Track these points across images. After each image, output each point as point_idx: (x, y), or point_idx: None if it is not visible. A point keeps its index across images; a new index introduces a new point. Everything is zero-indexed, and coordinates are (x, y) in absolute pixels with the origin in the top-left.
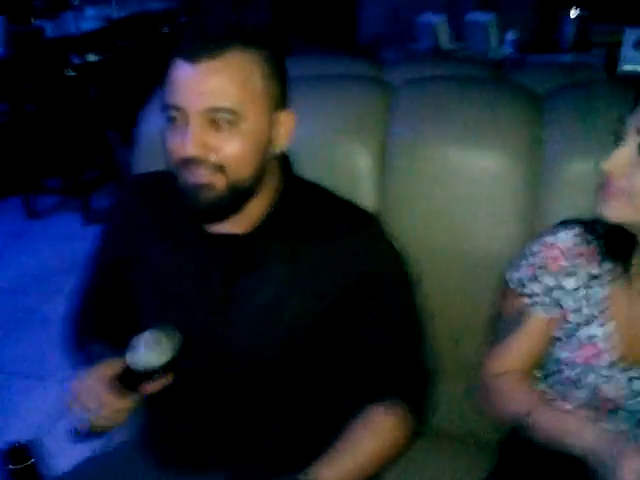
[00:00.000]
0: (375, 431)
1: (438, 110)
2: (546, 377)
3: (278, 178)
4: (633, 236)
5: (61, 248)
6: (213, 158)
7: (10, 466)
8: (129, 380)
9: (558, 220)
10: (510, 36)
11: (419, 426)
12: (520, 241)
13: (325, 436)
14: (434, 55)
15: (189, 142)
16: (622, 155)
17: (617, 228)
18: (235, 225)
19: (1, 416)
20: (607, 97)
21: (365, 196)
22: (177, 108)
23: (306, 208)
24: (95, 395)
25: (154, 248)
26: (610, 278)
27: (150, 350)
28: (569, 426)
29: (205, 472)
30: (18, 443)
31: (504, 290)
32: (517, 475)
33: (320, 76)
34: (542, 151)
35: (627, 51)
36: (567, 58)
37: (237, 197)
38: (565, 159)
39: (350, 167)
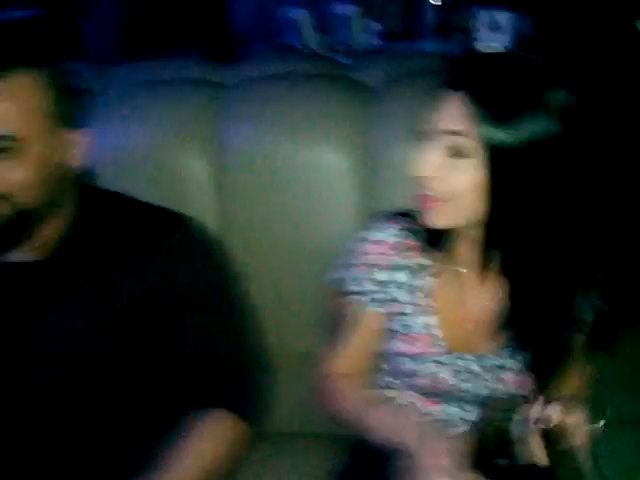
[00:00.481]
0: (200, 443)
1: (269, 109)
2: (389, 370)
3: (75, 197)
4: (450, 232)
5: None
6: None
7: None
8: None
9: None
10: (373, 26)
11: (252, 431)
12: (354, 234)
13: (151, 452)
14: (284, 51)
15: None
16: (433, 158)
17: None
18: (29, 252)
19: None
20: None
21: (201, 205)
22: None
23: (107, 224)
24: None
25: None
26: (436, 269)
27: None
28: (393, 425)
29: None
30: None
31: (337, 291)
32: (367, 467)
33: (149, 82)
34: (370, 142)
35: (482, 34)
36: (429, 45)
37: (24, 224)
38: (392, 149)
39: (184, 175)
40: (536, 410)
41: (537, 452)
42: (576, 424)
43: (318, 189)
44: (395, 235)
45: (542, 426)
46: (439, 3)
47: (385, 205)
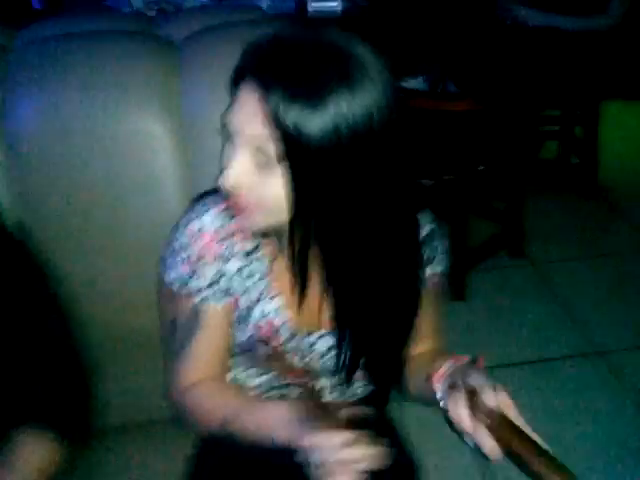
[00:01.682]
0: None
1: (61, 74)
2: (244, 360)
3: None
4: None
5: None
6: None
7: None
8: None
9: (210, 174)
10: None
11: (73, 448)
12: (176, 205)
13: None
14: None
15: None
16: (239, 169)
17: None
18: None
19: None
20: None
21: None
22: None
23: None
24: None
25: None
26: (266, 251)
27: None
28: (261, 421)
29: None
30: None
31: (166, 293)
32: (216, 453)
33: None
34: (181, 105)
35: None
36: (263, 3)
37: None
38: (204, 110)
39: None
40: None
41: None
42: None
43: (130, 162)
44: (215, 222)
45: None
46: None
47: (205, 166)
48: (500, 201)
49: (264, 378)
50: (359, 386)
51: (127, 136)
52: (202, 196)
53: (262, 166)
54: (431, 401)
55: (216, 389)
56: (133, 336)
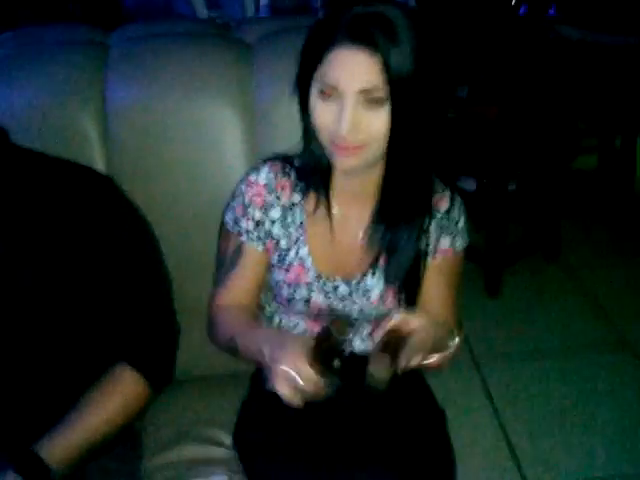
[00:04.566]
0: (110, 393)
1: (153, 66)
2: (273, 299)
3: None
4: (329, 169)
5: None
6: None
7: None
8: None
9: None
10: (264, 1)
11: (161, 387)
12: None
13: (71, 399)
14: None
15: None
16: (349, 116)
17: (312, 163)
18: None
19: None
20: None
21: (92, 161)
22: None
23: (29, 175)
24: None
25: None
26: (312, 206)
27: None
28: (251, 339)
29: None
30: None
31: (222, 231)
32: (265, 397)
33: (36, 45)
34: (253, 96)
35: None
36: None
37: None
38: (274, 101)
39: (73, 131)
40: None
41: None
42: (416, 331)
43: (204, 141)
44: (268, 176)
45: (381, 336)
46: None
47: (269, 151)
48: (536, 207)
49: (286, 317)
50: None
51: (205, 123)
52: (263, 159)
53: (370, 110)
54: None
55: (236, 313)
56: (199, 297)
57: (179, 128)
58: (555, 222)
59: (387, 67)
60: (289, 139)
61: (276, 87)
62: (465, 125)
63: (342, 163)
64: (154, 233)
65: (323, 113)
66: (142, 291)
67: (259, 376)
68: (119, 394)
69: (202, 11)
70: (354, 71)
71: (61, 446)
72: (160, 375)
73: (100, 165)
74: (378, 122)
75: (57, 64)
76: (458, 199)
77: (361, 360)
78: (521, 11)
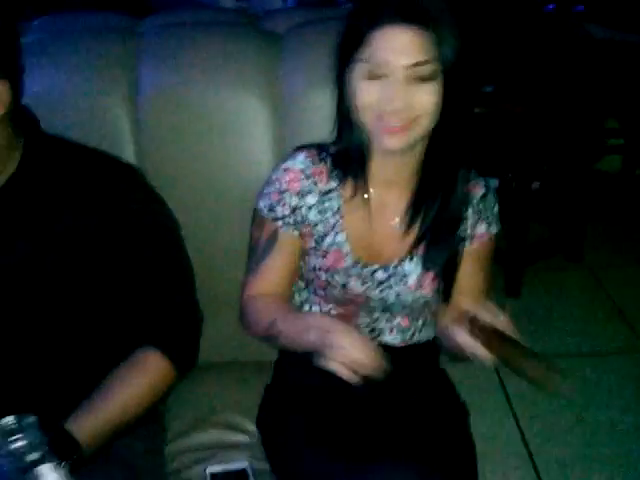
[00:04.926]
0: (136, 373)
1: (183, 54)
2: (307, 285)
3: (17, 139)
4: (361, 153)
5: None
6: None
7: None
8: None
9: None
10: None
11: (185, 370)
12: (271, 169)
13: (96, 380)
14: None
15: None
16: (397, 92)
17: (349, 148)
18: None
19: None
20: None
21: (120, 149)
22: None
23: (55, 164)
24: None
25: None
26: (348, 192)
27: None
28: (295, 322)
29: None
30: None
31: (256, 219)
32: (279, 387)
33: (70, 31)
34: (281, 86)
35: None
36: (343, 10)
37: None
38: (302, 92)
39: (104, 117)
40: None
41: (479, 351)
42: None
43: (233, 129)
44: (304, 163)
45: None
46: None
47: (296, 141)
48: (559, 207)
49: (320, 305)
50: (417, 330)
51: (233, 111)
52: (297, 147)
53: (419, 85)
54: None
55: (271, 300)
56: (229, 284)
57: (208, 116)
58: (579, 223)
59: (438, 43)
60: (317, 129)
61: (304, 77)
62: (491, 121)
63: (389, 143)
64: (176, 220)
65: (369, 92)
66: (165, 276)
67: (283, 363)
68: (145, 375)
69: (228, 2)
70: (404, 47)
71: (89, 423)
72: (184, 358)
73: (130, 151)
74: (428, 97)
75: (90, 51)
76: (492, 185)
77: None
78: (549, 7)
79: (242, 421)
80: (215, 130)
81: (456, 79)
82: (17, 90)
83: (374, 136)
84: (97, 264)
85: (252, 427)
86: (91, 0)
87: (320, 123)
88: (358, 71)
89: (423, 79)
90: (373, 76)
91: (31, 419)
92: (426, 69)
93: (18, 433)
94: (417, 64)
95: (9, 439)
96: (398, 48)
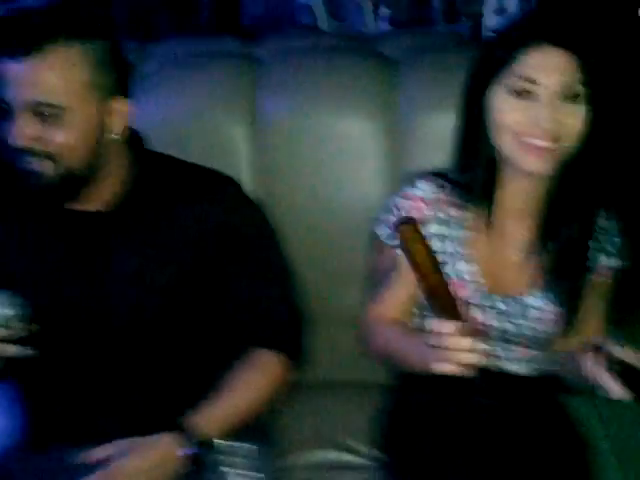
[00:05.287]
0: (252, 369)
1: (302, 80)
2: (423, 311)
3: (130, 157)
4: (492, 182)
5: None
6: (41, 148)
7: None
8: None
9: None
10: (383, 12)
11: (296, 371)
12: (385, 194)
13: (207, 383)
14: (303, 30)
15: (14, 134)
16: (545, 112)
17: (473, 176)
18: (96, 203)
19: None
20: (456, 59)
21: (240, 169)
22: (4, 102)
23: (164, 180)
24: None
25: (11, 231)
26: (470, 220)
27: None
28: (410, 343)
29: (95, 437)
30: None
31: (375, 244)
32: (405, 411)
33: (188, 54)
34: (398, 112)
35: (489, 18)
36: (438, 30)
37: (72, 182)
38: (419, 118)
39: (224, 142)
40: (616, 350)
41: (614, 388)
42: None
43: (349, 154)
44: (429, 190)
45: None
46: None
47: (413, 167)
48: None
49: None
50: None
51: (350, 136)
52: (418, 173)
53: (566, 107)
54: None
55: (389, 322)
56: (342, 305)
57: (325, 142)
58: None
59: (589, 68)
60: (434, 155)
61: (422, 103)
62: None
63: (532, 164)
64: (276, 230)
65: (513, 112)
66: (269, 281)
67: (405, 386)
68: (261, 372)
69: (324, 21)
70: (555, 68)
71: (215, 417)
72: (295, 354)
73: (247, 173)
74: (574, 120)
75: (208, 75)
76: (615, 217)
77: (518, 381)
78: None
79: (355, 443)
80: (332, 155)
81: (605, 107)
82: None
83: (514, 158)
84: (206, 274)
85: (364, 448)
86: (192, 23)
87: (437, 149)
88: (502, 90)
89: (571, 101)
90: (520, 95)
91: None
92: (574, 91)
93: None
94: (566, 86)
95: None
96: (549, 68)
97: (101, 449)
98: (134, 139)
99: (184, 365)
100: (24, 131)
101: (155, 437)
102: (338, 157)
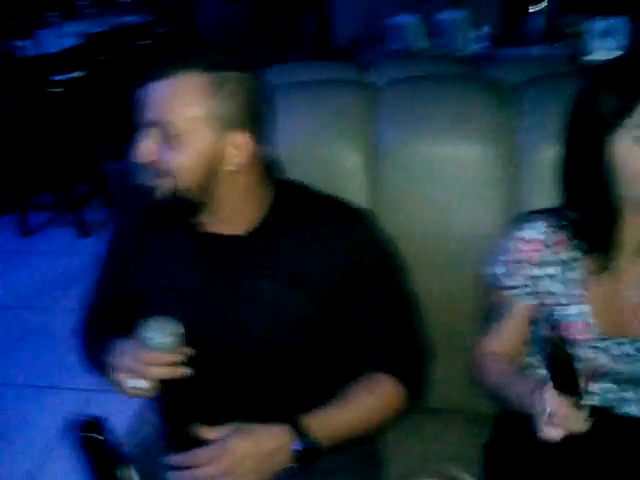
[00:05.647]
0: (370, 391)
1: (419, 108)
2: (535, 353)
3: (268, 185)
4: (610, 223)
5: (57, 262)
6: (158, 165)
7: (85, 435)
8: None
9: (535, 204)
10: (481, 32)
11: (414, 403)
12: (502, 225)
13: (325, 398)
14: (411, 55)
15: (135, 149)
16: None
17: (595, 218)
18: (238, 228)
19: (18, 425)
20: (575, 87)
21: (356, 195)
22: (136, 122)
23: (299, 209)
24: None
25: (158, 254)
26: (584, 261)
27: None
28: (517, 385)
29: None
30: (90, 417)
31: (489, 281)
32: (511, 445)
33: (305, 82)
34: (517, 140)
35: (592, 41)
36: (537, 50)
37: (184, 203)
38: (539, 147)
39: (340, 168)
40: None
41: None
42: None
43: (464, 184)
44: (545, 232)
45: None
46: (541, 7)
47: (528, 201)
48: None
49: None
50: None
51: (469, 166)
52: (533, 212)
53: None
54: None
55: (499, 360)
56: (451, 333)
57: (444, 169)
58: None
59: None
60: (549, 187)
61: (541, 133)
62: None
63: None
64: (403, 263)
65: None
66: (397, 312)
67: (505, 419)
68: (378, 394)
69: (419, 41)
70: None
71: (327, 425)
72: (414, 385)
73: (364, 200)
74: None
75: (324, 103)
76: None
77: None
78: None
79: (459, 472)
80: (450, 183)
81: None
82: (261, 139)
83: None
84: (335, 302)
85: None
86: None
87: (553, 181)
88: (626, 138)
89: None
90: None
91: None
92: None
93: None
94: None
95: None
96: None
97: (218, 429)
98: (273, 167)
99: (306, 382)
100: (144, 148)
101: (272, 427)
102: (454, 186)
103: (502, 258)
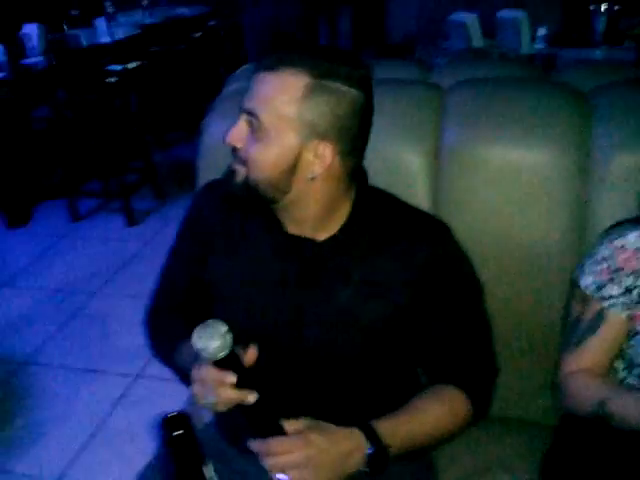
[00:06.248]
0: (441, 402)
1: (487, 111)
2: (630, 368)
3: (349, 193)
4: None
5: (104, 248)
6: (241, 152)
7: (168, 433)
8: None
9: (608, 213)
10: (541, 32)
11: (477, 420)
12: (572, 234)
13: (392, 405)
14: (473, 55)
15: (227, 132)
16: None
17: None
18: (316, 232)
19: (66, 407)
20: None
21: (419, 197)
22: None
23: (381, 217)
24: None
25: (228, 252)
26: None
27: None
28: (628, 402)
29: None
30: (176, 412)
31: (578, 293)
32: (573, 456)
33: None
34: (591, 147)
35: None
36: (598, 52)
37: (253, 195)
38: (613, 154)
39: (404, 169)
40: None
41: None
42: None
43: (532, 191)
44: (638, 240)
45: None
46: (602, 8)
47: (599, 210)
48: None
49: None
50: None
51: (535, 170)
52: (625, 221)
53: None
54: None
55: (594, 377)
56: (517, 339)
57: (510, 174)
58: None
59: None
60: (625, 197)
61: (616, 141)
62: None
63: None
64: (479, 277)
65: None
66: (471, 327)
67: (567, 430)
68: (448, 408)
69: (478, 40)
70: None
71: (398, 431)
72: (482, 403)
73: (425, 202)
74: None
75: (395, 102)
76: None
77: None
78: None
79: None
80: (518, 190)
81: None
82: (344, 154)
83: None
84: (411, 313)
85: None
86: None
87: (630, 187)
88: None
89: None
90: None
91: None
92: None
93: None
94: None
95: None
96: None
97: (296, 421)
98: (356, 177)
99: (361, 390)
100: (235, 133)
101: (346, 428)
102: (521, 191)
103: (595, 268)
